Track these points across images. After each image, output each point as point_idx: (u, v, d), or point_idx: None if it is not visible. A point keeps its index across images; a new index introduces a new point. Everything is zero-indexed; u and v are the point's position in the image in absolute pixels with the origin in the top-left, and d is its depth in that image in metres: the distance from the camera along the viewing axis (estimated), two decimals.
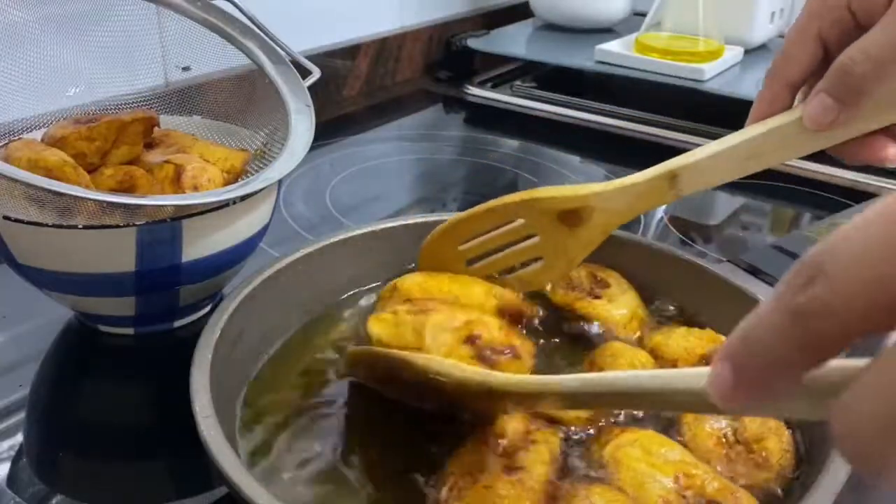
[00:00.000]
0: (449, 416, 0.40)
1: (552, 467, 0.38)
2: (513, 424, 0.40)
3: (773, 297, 0.21)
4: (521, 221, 0.48)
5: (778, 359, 0.20)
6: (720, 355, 0.22)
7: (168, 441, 0.46)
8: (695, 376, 0.26)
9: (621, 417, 0.42)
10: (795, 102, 0.43)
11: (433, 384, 0.37)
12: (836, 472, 0.35)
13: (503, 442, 0.39)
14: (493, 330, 0.41)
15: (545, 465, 0.38)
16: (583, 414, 0.42)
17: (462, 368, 0.37)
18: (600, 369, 0.44)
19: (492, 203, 0.48)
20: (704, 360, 0.46)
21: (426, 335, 0.40)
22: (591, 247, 0.48)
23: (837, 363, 0.21)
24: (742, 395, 0.21)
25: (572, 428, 0.41)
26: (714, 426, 0.41)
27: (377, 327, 0.41)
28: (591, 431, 0.41)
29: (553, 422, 0.41)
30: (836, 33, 0.40)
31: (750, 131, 0.43)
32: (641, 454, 0.38)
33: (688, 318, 0.50)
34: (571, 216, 0.47)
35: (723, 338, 0.47)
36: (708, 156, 0.44)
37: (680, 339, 0.47)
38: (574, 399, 0.34)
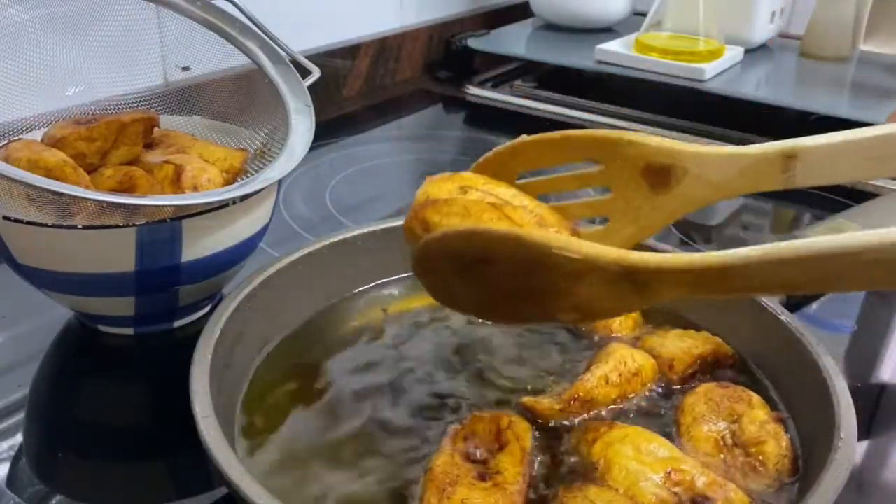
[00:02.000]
0: (542, 319, 0.35)
1: (527, 465, 0.38)
2: (481, 425, 0.40)
3: None
4: (597, 168, 0.41)
5: None
6: None
7: (168, 441, 0.46)
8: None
9: (603, 413, 0.42)
10: None
11: (546, 266, 0.30)
12: (837, 473, 0.35)
13: (473, 445, 0.39)
14: None
15: (519, 465, 0.38)
16: (556, 405, 0.42)
17: (591, 245, 0.31)
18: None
19: (572, 132, 0.41)
20: (700, 360, 0.46)
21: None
22: (670, 219, 0.41)
23: None
24: None
25: (550, 423, 0.41)
26: (712, 429, 0.41)
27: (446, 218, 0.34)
28: (566, 423, 0.42)
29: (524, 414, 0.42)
30: None
31: (880, 129, 0.38)
32: (633, 452, 0.38)
33: (686, 320, 0.50)
34: (659, 174, 0.40)
35: (718, 339, 0.47)
36: (829, 143, 0.38)
37: (676, 340, 0.47)
38: (745, 276, 0.28)
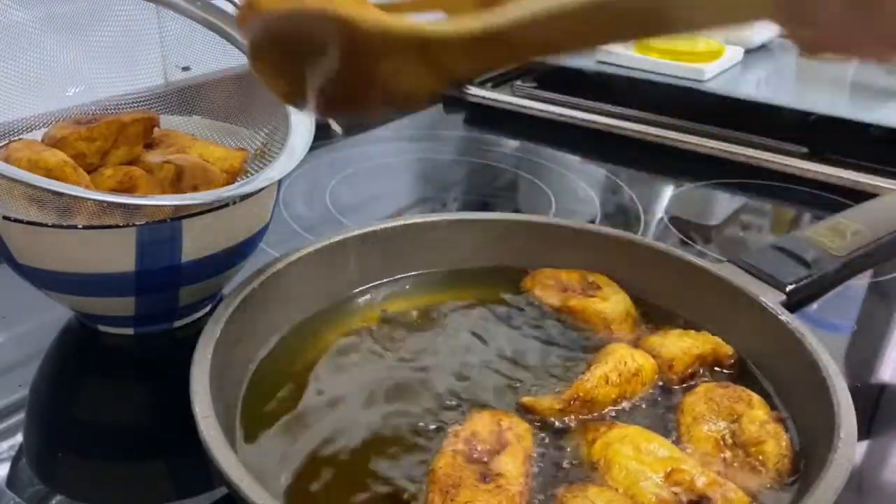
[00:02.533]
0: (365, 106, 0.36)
1: (529, 466, 0.38)
2: (481, 425, 0.40)
3: None
4: None
5: None
6: None
7: (168, 441, 0.46)
8: None
9: (603, 412, 0.42)
10: None
11: (353, 40, 0.32)
12: (837, 473, 0.35)
13: (475, 445, 0.39)
14: None
15: (521, 466, 0.38)
16: (556, 405, 0.42)
17: (388, 15, 0.32)
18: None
19: None
20: (700, 360, 0.46)
21: None
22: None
23: None
24: None
25: (554, 422, 0.42)
26: (712, 428, 0.41)
27: None
28: (566, 422, 0.42)
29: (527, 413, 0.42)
30: None
31: None
32: (633, 452, 0.38)
33: (686, 320, 0.50)
34: None
35: (717, 339, 0.47)
36: None
37: (675, 340, 0.47)
38: (513, 34, 0.30)
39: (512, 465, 0.38)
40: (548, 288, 0.52)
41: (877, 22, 0.29)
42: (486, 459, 0.38)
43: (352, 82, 0.34)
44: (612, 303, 0.51)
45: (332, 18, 0.32)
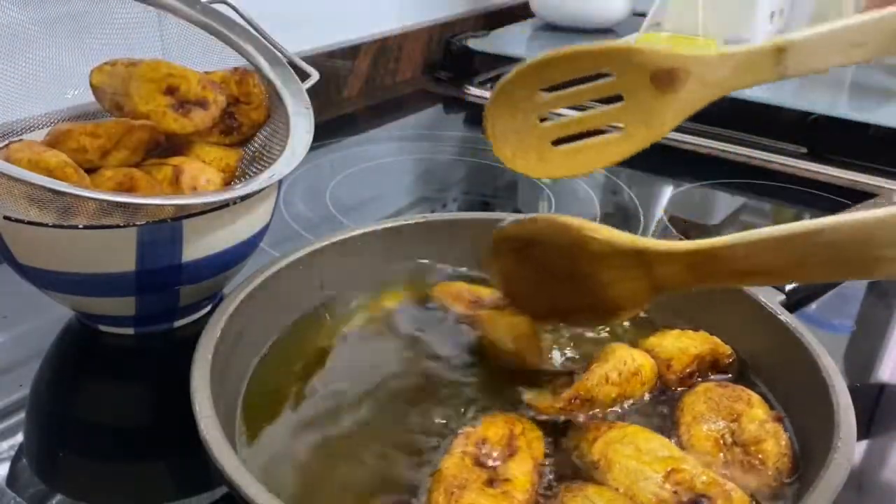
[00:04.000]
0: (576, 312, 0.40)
1: (537, 474, 0.38)
2: (493, 429, 0.40)
3: None
4: (609, 79, 0.46)
5: None
6: None
7: (168, 441, 0.46)
8: None
9: (604, 412, 0.42)
10: None
11: (576, 246, 0.37)
12: (836, 473, 0.35)
13: (485, 448, 0.38)
14: None
15: (529, 474, 0.38)
16: (556, 404, 0.42)
17: (610, 228, 0.37)
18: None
19: (581, 47, 0.45)
20: (698, 360, 0.46)
21: None
22: (679, 117, 0.46)
23: None
24: None
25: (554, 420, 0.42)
26: (711, 428, 0.41)
27: None
28: (567, 421, 0.42)
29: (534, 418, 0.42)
30: None
31: (862, 17, 0.42)
32: (633, 451, 0.38)
33: (685, 320, 0.50)
34: (666, 78, 0.44)
35: (716, 339, 0.47)
36: (816, 34, 0.42)
37: (674, 341, 0.47)
38: (731, 258, 0.34)
39: (520, 472, 0.37)
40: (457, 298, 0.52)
41: None
42: (494, 464, 0.38)
43: (567, 284, 0.39)
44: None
45: (558, 225, 0.38)
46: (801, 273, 0.36)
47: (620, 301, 0.39)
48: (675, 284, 0.37)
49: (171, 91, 0.53)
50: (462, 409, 0.43)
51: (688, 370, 0.45)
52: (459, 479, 0.36)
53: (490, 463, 0.38)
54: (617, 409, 0.43)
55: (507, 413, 0.42)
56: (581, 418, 0.42)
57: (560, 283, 0.39)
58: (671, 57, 0.44)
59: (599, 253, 0.37)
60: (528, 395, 0.43)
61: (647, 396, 0.44)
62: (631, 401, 0.44)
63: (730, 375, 0.46)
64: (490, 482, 0.37)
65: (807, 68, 0.43)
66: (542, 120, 0.47)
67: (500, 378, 0.46)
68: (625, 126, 0.46)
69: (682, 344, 0.46)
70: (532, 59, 0.45)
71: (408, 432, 0.42)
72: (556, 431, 0.42)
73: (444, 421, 0.42)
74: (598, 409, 0.43)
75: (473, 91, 1.07)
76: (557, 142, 0.47)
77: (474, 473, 0.37)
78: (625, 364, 0.44)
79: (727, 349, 0.47)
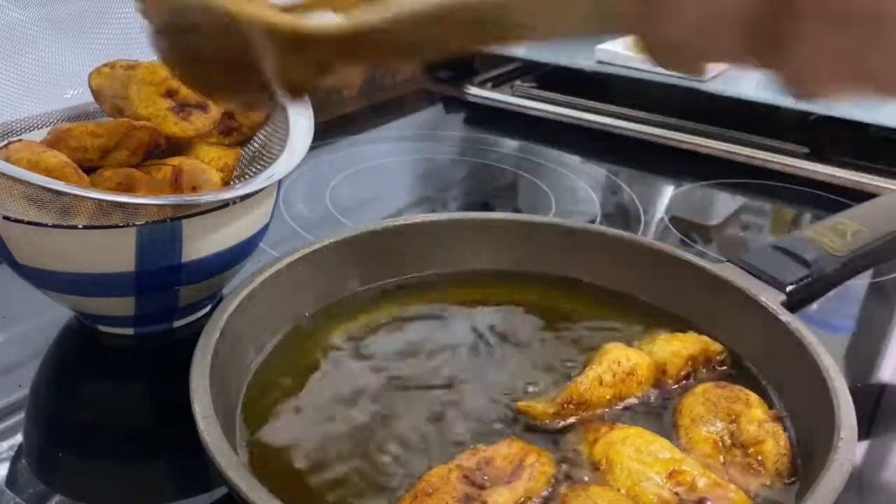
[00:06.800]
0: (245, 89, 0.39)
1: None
2: (504, 451, 0.38)
3: None
4: None
5: None
6: None
7: (168, 441, 0.46)
8: None
9: (601, 413, 0.42)
10: None
11: (233, 30, 0.35)
12: (836, 473, 0.35)
13: (485, 469, 0.37)
14: None
15: None
16: (550, 409, 0.42)
17: (277, 12, 0.35)
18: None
19: None
20: (692, 360, 0.46)
21: None
22: None
23: None
24: None
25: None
26: (710, 430, 0.41)
27: None
28: (565, 423, 0.42)
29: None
30: None
31: None
32: (634, 453, 0.38)
33: (684, 320, 0.50)
34: None
35: (706, 338, 0.47)
36: None
37: (664, 345, 0.46)
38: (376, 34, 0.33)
39: (503, 502, 0.36)
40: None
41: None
42: (485, 485, 0.37)
43: (236, 70, 0.37)
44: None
45: (216, 10, 0.36)
46: (453, 45, 0.36)
47: (293, 81, 0.37)
48: (341, 66, 0.36)
49: (170, 94, 0.53)
50: (459, 408, 0.43)
51: (683, 372, 0.45)
52: (433, 486, 0.36)
53: (481, 483, 0.37)
54: (616, 409, 0.43)
55: (532, 444, 0.40)
56: (575, 420, 0.42)
57: (229, 67, 0.37)
58: None
59: (255, 35, 0.35)
60: (521, 403, 0.43)
61: (646, 395, 0.44)
62: (629, 400, 0.44)
63: (727, 370, 0.46)
64: (466, 499, 0.35)
65: None
66: None
67: (496, 384, 0.46)
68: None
69: (674, 347, 0.46)
70: None
71: (409, 434, 0.42)
72: (557, 431, 0.42)
73: (444, 422, 0.42)
74: (593, 411, 0.42)
75: (473, 91, 1.07)
76: None
77: (452, 487, 0.36)
78: (619, 364, 0.44)
79: (718, 346, 0.47)
